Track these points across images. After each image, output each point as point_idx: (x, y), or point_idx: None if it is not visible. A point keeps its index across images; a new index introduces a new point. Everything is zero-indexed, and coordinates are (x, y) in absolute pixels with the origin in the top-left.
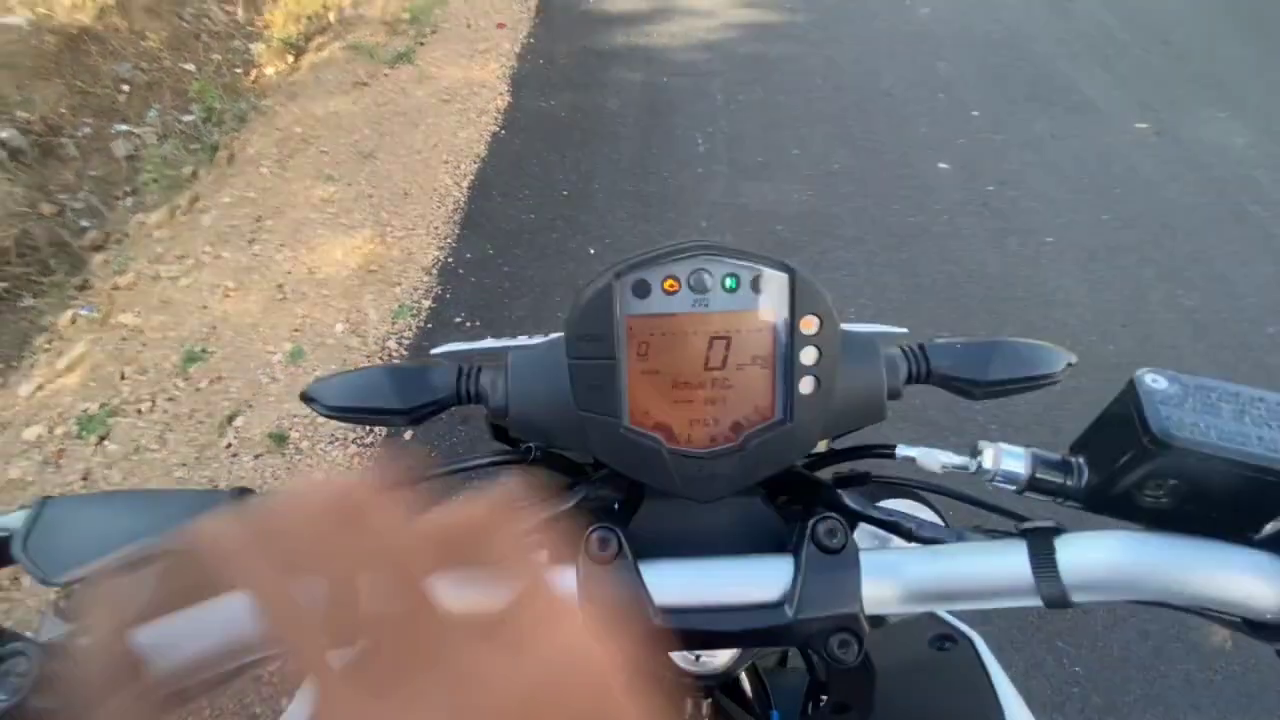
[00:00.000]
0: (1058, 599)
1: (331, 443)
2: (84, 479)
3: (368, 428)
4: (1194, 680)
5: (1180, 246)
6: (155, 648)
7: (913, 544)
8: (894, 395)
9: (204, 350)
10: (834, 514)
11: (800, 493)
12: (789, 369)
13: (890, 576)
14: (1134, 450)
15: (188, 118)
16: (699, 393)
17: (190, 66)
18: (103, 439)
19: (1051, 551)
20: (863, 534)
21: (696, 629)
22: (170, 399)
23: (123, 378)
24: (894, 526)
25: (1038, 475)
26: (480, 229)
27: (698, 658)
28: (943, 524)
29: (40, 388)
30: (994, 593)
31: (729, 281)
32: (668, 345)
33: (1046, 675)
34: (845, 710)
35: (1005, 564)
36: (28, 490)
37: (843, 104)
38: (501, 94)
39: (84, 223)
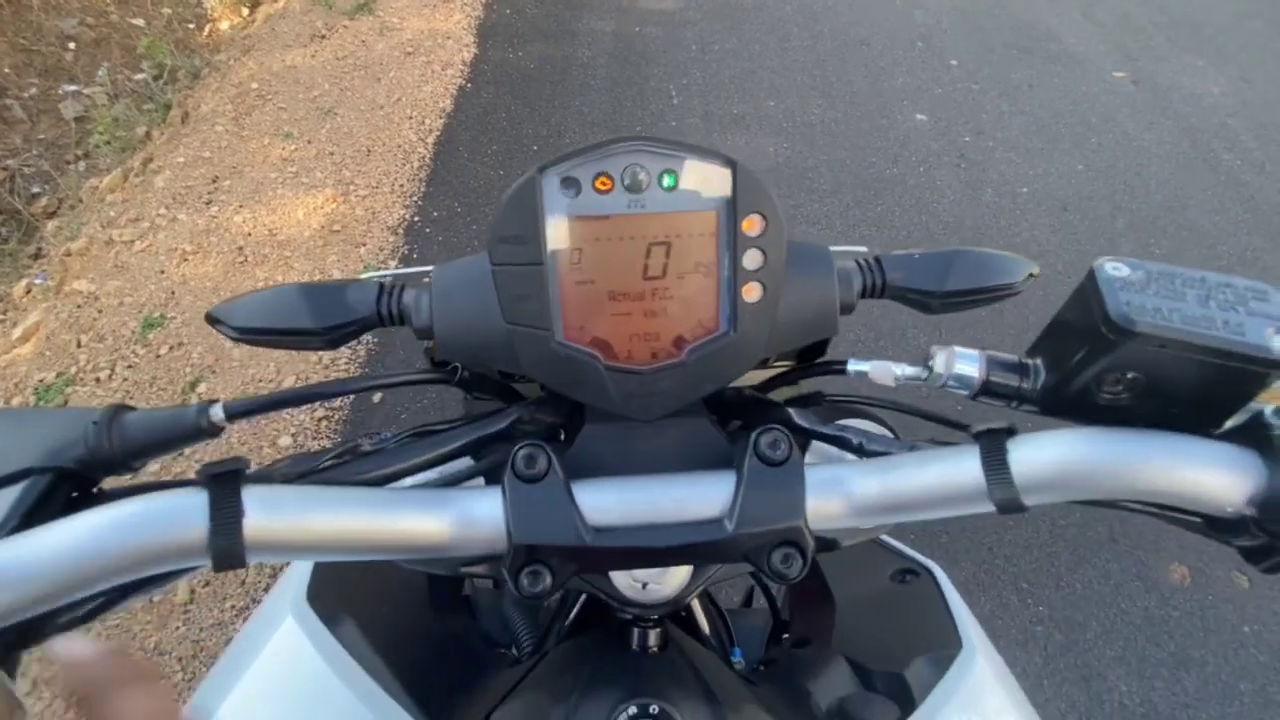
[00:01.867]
0: (1010, 503)
1: (297, 409)
2: None
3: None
4: (1153, 617)
5: (1154, 195)
6: (12, 569)
7: (862, 459)
8: (846, 309)
9: (163, 316)
10: (777, 426)
11: (749, 415)
12: (733, 275)
13: (835, 489)
14: (1092, 343)
15: (139, 76)
16: (638, 305)
17: (139, 21)
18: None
19: (1003, 453)
20: (816, 455)
21: (631, 546)
22: (129, 366)
23: (79, 345)
24: (842, 442)
25: (991, 378)
26: (447, 186)
27: (645, 585)
28: (887, 438)
29: None
30: (944, 500)
31: (667, 179)
32: (602, 252)
33: (1011, 615)
34: (806, 644)
35: (956, 470)
36: None
37: (820, 53)
38: (467, 46)
39: (35, 189)
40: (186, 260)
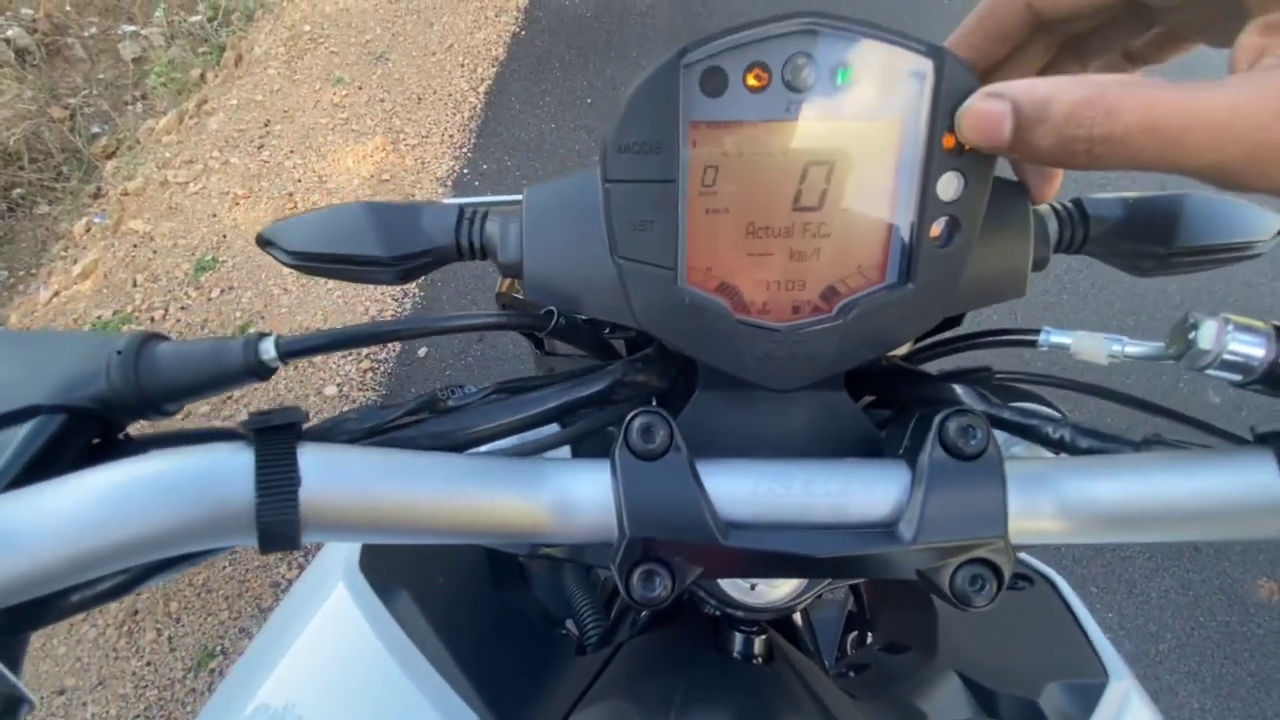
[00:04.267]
0: None
1: (344, 356)
2: None
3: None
4: (1234, 633)
5: None
6: (10, 531)
7: (1063, 456)
8: (1039, 264)
9: (214, 259)
10: (969, 408)
11: (895, 391)
12: (921, 206)
13: (1049, 493)
14: None
15: (194, 18)
16: (782, 242)
17: None
18: None
19: None
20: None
21: (775, 550)
22: (183, 307)
23: (135, 285)
24: (1035, 433)
25: None
26: (498, 138)
27: (753, 586)
28: (1103, 431)
29: (57, 294)
30: (1212, 517)
31: (842, 74)
32: (744, 171)
33: None
34: (900, 649)
35: (1232, 479)
36: None
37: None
38: None
39: (94, 128)
40: (238, 204)
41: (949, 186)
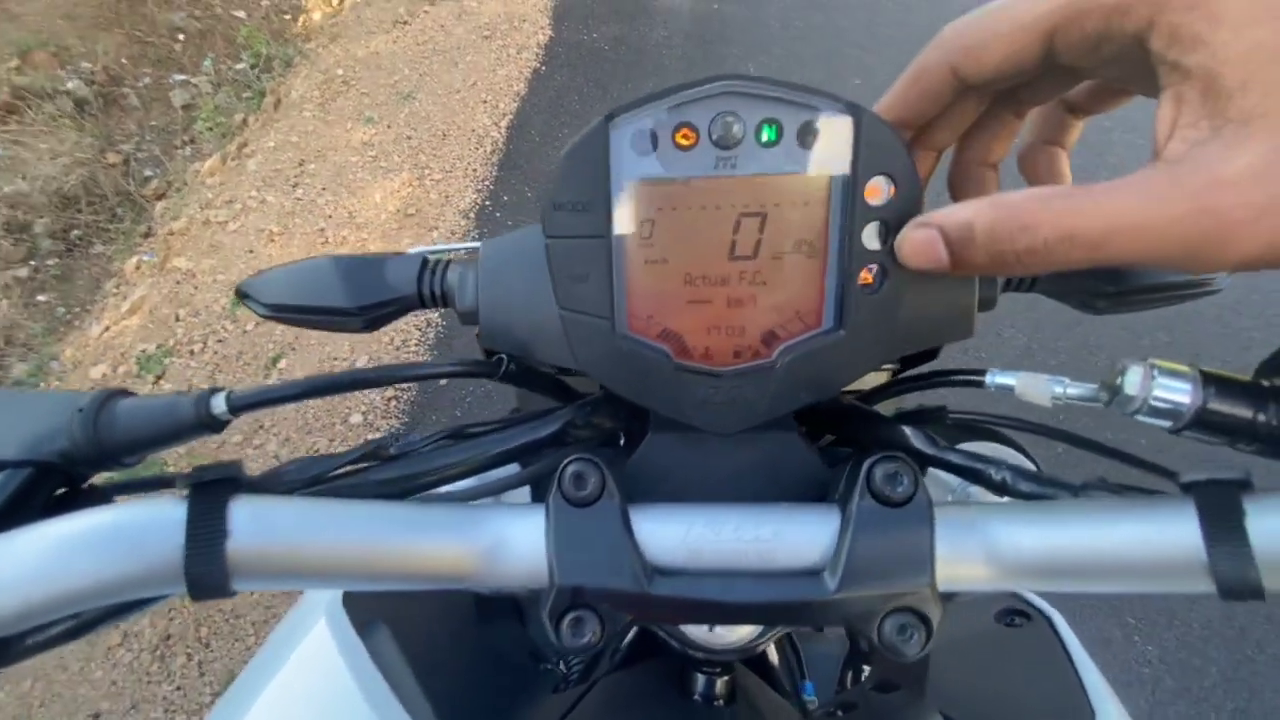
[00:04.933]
0: (1242, 586)
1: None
2: None
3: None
4: None
5: None
6: None
7: (1005, 499)
8: (986, 304)
9: None
10: (897, 454)
11: (851, 431)
12: (844, 255)
13: (976, 540)
14: None
15: (239, 65)
16: (720, 291)
17: (241, 13)
18: (159, 378)
19: (1238, 515)
20: (936, 488)
21: (701, 599)
22: (220, 340)
23: (177, 320)
24: (979, 475)
25: (1211, 406)
26: (518, 170)
27: (711, 627)
28: (1043, 474)
29: (107, 329)
30: (1137, 571)
31: (767, 131)
32: (680, 224)
33: (1114, 652)
34: (891, 688)
35: (1158, 531)
36: None
37: (912, 28)
38: (542, 27)
39: (147, 172)
40: (273, 240)
41: (874, 235)
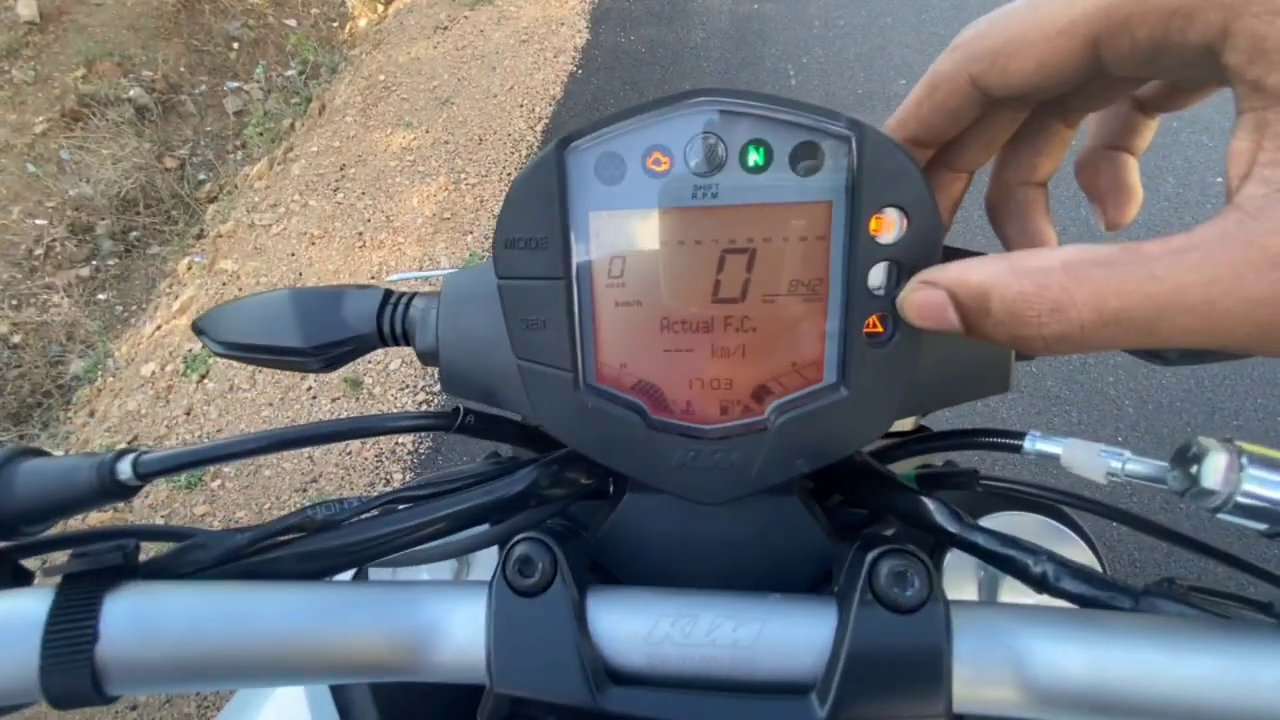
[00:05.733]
0: None
1: (402, 389)
2: (186, 413)
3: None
4: None
5: None
6: None
7: (1045, 597)
8: (1026, 354)
9: None
10: (907, 547)
11: (863, 493)
12: (848, 299)
13: (1004, 655)
14: None
15: (288, 72)
16: (703, 338)
17: (292, 22)
18: (203, 378)
19: None
20: (960, 568)
21: (661, 719)
22: None
23: None
24: (1013, 565)
25: None
26: None
27: None
28: (1100, 567)
29: (159, 328)
30: (1220, 714)
31: (754, 154)
32: (654, 261)
33: None
34: None
35: (1244, 668)
36: (140, 422)
37: (962, 24)
38: (580, 31)
39: (201, 176)
40: (314, 244)
41: (882, 277)
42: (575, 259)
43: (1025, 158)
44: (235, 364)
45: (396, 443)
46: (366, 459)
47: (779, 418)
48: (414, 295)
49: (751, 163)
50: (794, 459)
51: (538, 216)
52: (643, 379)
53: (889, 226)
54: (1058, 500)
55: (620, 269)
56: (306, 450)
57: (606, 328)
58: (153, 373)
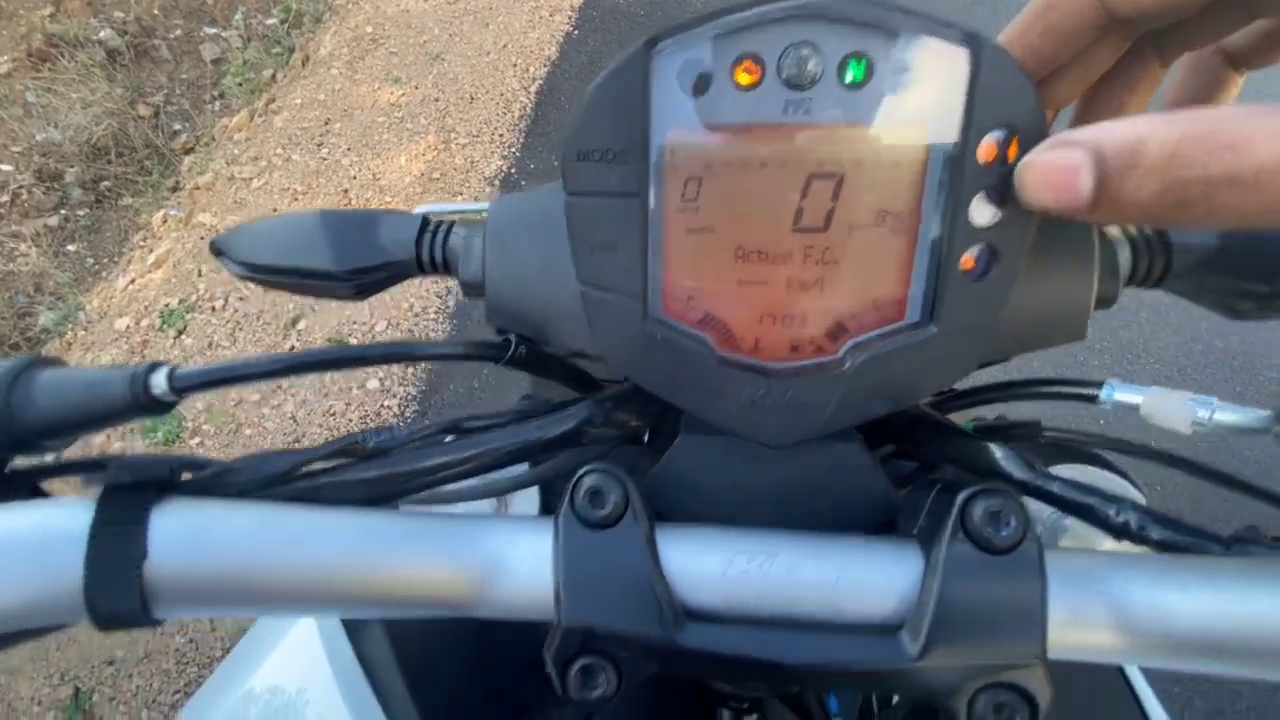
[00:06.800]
0: None
1: (442, 323)
2: None
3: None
4: None
5: None
6: None
7: (1124, 545)
8: (1105, 301)
9: None
10: (1000, 488)
11: (919, 443)
12: (944, 232)
13: (1104, 600)
14: None
15: (269, 20)
16: (779, 270)
17: None
18: (180, 333)
19: None
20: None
21: (744, 656)
22: (241, 299)
23: (200, 275)
24: (1093, 514)
25: None
26: (547, 138)
27: None
28: (1182, 520)
29: (133, 281)
30: None
31: (854, 68)
32: (734, 184)
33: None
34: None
35: None
36: None
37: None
38: None
39: (176, 125)
40: (297, 199)
41: (986, 209)
42: (652, 173)
43: (1117, 93)
44: (214, 320)
45: (382, 405)
46: (350, 421)
47: (857, 356)
48: (453, 223)
49: (850, 78)
50: (872, 400)
51: (617, 126)
52: (710, 312)
53: (995, 151)
54: (1130, 451)
55: (695, 191)
56: (290, 411)
57: (676, 256)
58: (127, 327)
